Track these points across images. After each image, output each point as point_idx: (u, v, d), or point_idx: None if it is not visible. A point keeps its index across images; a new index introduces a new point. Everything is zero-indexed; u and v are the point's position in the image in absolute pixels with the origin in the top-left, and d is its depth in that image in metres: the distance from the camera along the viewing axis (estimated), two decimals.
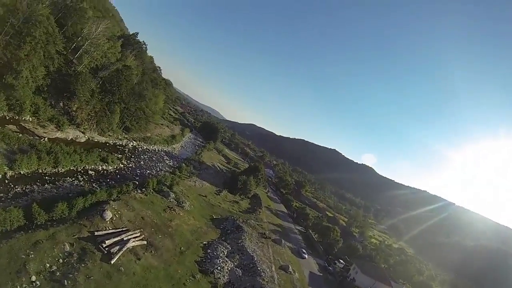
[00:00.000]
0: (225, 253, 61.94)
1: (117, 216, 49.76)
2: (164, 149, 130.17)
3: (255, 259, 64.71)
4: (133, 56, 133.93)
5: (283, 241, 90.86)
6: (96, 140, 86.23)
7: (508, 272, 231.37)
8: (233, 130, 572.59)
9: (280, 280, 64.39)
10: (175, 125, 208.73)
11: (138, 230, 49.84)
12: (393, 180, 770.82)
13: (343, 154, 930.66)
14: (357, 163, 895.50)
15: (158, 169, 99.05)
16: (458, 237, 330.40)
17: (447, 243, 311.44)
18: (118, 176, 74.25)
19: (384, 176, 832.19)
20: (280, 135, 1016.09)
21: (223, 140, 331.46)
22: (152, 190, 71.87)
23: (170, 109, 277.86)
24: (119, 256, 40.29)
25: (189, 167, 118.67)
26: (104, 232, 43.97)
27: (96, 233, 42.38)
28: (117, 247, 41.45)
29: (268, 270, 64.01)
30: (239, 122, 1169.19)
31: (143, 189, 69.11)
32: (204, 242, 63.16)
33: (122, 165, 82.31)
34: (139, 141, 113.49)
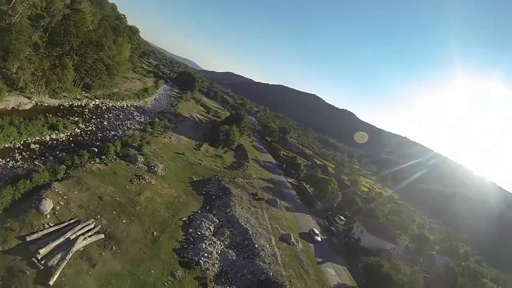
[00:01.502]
0: (212, 230, 47.66)
1: (61, 203, 34.64)
2: (135, 104, 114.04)
3: (250, 232, 50.67)
4: (87, 2, 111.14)
5: (278, 201, 76.95)
6: (46, 104, 69.06)
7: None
8: (211, 80, 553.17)
9: (283, 257, 50.77)
10: (148, 77, 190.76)
11: (92, 219, 34.72)
12: (375, 126, 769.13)
13: (324, 99, 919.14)
14: (338, 108, 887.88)
15: (126, 128, 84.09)
16: (438, 184, 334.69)
17: (427, 189, 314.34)
18: (72, 145, 58.38)
19: (366, 121, 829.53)
20: (259, 82, 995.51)
21: (201, 89, 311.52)
22: (114, 157, 56.97)
23: (143, 62, 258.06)
24: (63, 269, 26.14)
25: (163, 121, 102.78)
26: (40, 233, 29.08)
27: (28, 239, 27.58)
28: (59, 256, 27.11)
29: (267, 245, 50.11)
30: (217, 71, 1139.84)
31: (103, 157, 53.99)
32: (184, 218, 48.66)
33: (79, 130, 66.55)
34: (103, 98, 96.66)
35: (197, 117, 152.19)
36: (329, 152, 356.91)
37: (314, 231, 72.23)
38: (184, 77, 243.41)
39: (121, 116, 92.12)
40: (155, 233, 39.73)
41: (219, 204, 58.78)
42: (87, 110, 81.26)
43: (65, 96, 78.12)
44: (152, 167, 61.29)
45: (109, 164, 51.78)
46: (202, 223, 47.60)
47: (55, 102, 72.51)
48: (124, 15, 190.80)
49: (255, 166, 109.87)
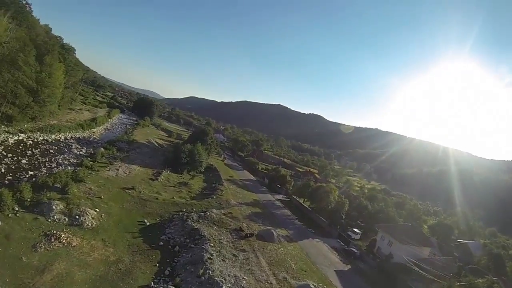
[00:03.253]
0: None
1: None
2: (77, 136, 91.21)
3: None
4: (7, 18, 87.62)
5: (273, 231, 54.32)
6: None
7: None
8: (174, 106, 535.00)
9: None
10: (101, 108, 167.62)
11: None
12: (344, 124, 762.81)
13: (289, 107, 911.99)
14: (305, 113, 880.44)
15: (54, 165, 61.70)
16: (419, 166, 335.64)
17: (412, 174, 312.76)
18: None
19: (334, 121, 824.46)
20: (221, 101, 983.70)
21: (162, 115, 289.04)
22: (14, 209, 36.89)
23: (97, 95, 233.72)
24: None
25: (111, 150, 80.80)
26: None
27: None
28: None
29: None
30: (179, 98, 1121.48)
31: None
32: None
33: None
34: (32, 132, 74.96)
35: (156, 142, 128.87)
36: (307, 158, 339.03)
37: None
38: (141, 104, 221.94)
39: (51, 151, 69.25)
40: None
41: (187, 261, 36.46)
42: (1, 147, 58.79)
43: None
44: (77, 217, 39.85)
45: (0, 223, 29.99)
46: None
47: None
48: (60, 37, 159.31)
49: (232, 188, 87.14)
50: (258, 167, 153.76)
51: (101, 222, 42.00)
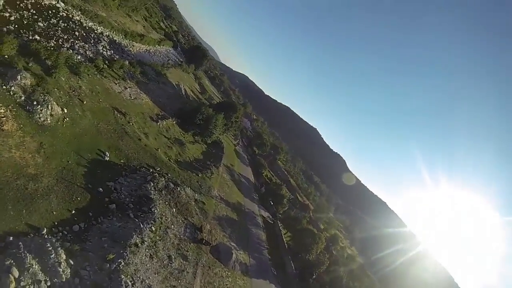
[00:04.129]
0: None
1: None
2: (114, 38, 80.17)
3: None
4: None
5: (233, 253, 43.26)
6: None
7: None
8: (223, 72, 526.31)
9: None
10: (157, 32, 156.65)
11: None
12: (361, 180, 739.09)
13: (322, 136, 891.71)
14: (332, 150, 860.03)
15: (67, 46, 51.73)
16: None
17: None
18: None
19: (354, 172, 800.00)
20: (268, 95, 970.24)
21: (208, 72, 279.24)
22: None
23: (163, 21, 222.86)
24: None
25: (135, 68, 71.87)
26: None
27: None
28: None
29: None
30: (233, 69, 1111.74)
31: None
32: None
33: None
34: (73, 6, 63.97)
35: (184, 89, 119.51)
36: (310, 190, 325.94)
37: None
38: (194, 50, 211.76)
39: (76, 34, 59.55)
40: None
41: (108, 230, 26.74)
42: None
43: None
44: (35, 103, 31.91)
45: None
46: None
47: None
48: None
49: (224, 177, 76.93)
50: (264, 172, 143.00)
51: (57, 125, 33.13)
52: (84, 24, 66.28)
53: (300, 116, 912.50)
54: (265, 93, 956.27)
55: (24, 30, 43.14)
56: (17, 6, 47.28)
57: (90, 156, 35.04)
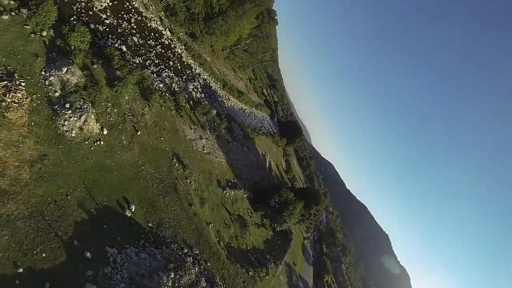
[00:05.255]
0: None
1: None
2: (210, 84, 76.08)
3: None
4: None
5: None
6: None
7: None
8: (312, 156, 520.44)
9: None
10: (258, 95, 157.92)
11: None
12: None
13: (392, 245, 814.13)
14: (399, 261, 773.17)
15: (151, 70, 46.38)
16: None
17: None
18: None
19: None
20: (348, 189, 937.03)
21: (298, 151, 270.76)
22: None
23: (266, 88, 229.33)
24: None
25: (222, 121, 64.05)
26: None
27: None
28: None
29: None
30: (321, 155, 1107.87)
31: None
32: None
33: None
34: (179, 39, 64.23)
35: (270, 161, 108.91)
36: None
37: None
38: (290, 126, 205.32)
39: (170, 63, 55.09)
40: None
41: None
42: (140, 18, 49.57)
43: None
44: (68, 107, 24.69)
45: None
46: None
47: None
48: (274, 12, 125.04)
49: (280, 280, 59.96)
50: (325, 277, 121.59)
51: (82, 144, 24.26)
52: (184, 59, 61.28)
53: (373, 217, 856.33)
54: (347, 187, 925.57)
55: (113, 37, 36.25)
56: (120, 15, 41.71)
57: (106, 201, 23.69)
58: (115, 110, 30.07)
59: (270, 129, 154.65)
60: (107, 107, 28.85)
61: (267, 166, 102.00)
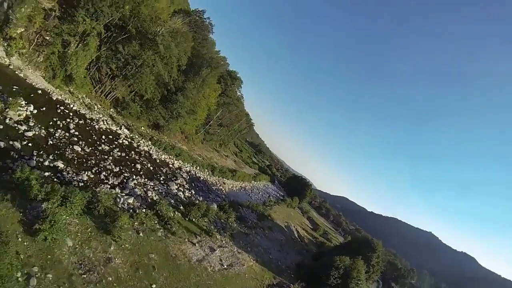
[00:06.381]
0: None
1: None
2: (198, 175, 64.19)
3: None
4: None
5: None
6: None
7: None
8: (324, 199, 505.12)
9: None
10: (250, 167, 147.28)
11: None
12: (500, 275, 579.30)
13: (440, 238, 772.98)
14: (456, 250, 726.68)
15: (118, 183, 36.64)
16: None
17: None
18: None
19: (488, 268, 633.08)
20: (371, 211, 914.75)
21: (312, 202, 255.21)
22: None
23: (254, 157, 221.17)
24: None
25: (229, 215, 51.06)
26: None
27: None
28: None
29: None
30: (331, 193, 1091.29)
31: None
32: None
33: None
34: (141, 136, 55.49)
35: (296, 229, 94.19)
36: None
37: None
38: (294, 182, 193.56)
39: (138, 166, 41.86)
40: None
41: None
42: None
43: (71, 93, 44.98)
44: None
45: None
46: None
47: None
48: (235, 71, 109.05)
49: None
50: None
51: None
52: (154, 157, 49.40)
53: (410, 224, 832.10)
54: (367, 210, 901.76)
55: (40, 152, 24.86)
56: (52, 123, 31.37)
57: None
58: (50, 276, 16.84)
59: (278, 195, 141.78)
60: (35, 275, 15.67)
61: (296, 236, 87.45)
